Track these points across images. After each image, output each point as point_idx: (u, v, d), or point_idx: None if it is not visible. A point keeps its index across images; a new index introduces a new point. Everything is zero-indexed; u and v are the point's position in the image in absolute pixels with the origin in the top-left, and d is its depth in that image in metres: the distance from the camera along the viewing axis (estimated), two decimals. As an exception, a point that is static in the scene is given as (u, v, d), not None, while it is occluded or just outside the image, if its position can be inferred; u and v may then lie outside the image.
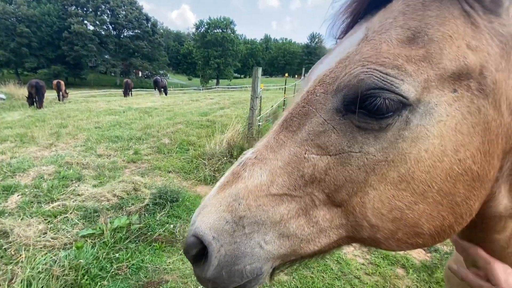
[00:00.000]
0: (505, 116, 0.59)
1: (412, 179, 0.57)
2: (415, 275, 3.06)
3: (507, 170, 0.66)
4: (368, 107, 0.57)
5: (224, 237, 0.61)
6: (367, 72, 0.57)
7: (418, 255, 3.39)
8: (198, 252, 0.63)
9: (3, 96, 17.44)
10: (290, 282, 2.92)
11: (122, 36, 63.77)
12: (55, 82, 18.16)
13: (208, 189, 4.97)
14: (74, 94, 26.15)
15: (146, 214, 3.93)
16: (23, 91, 17.24)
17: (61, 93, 18.01)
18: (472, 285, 0.72)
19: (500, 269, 0.68)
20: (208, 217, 0.63)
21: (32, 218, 3.63)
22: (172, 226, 3.75)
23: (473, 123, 0.57)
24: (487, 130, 0.58)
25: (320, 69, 0.71)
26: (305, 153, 0.63)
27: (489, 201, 0.67)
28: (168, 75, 74.71)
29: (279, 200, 0.62)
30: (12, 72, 54.80)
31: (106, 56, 61.69)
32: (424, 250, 3.47)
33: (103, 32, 60.96)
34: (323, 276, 3.01)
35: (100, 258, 3.02)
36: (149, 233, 3.55)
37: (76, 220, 3.68)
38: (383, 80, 0.55)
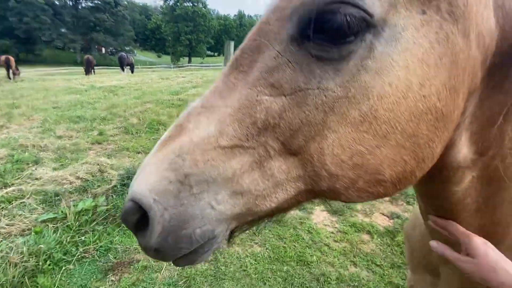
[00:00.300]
0: (473, 48, 0.55)
1: (375, 118, 0.52)
2: (379, 239, 3.29)
3: (469, 116, 0.64)
4: (326, 28, 0.50)
5: (168, 199, 0.54)
6: None
7: (382, 222, 3.64)
8: (139, 219, 0.56)
9: None
10: (263, 253, 3.01)
11: (80, 7, 57.61)
12: (3, 58, 16.17)
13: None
14: (27, 72, 23.56)
15: (114, 196, 3.75)
16: (-36, 68, 15.17)
17: (11, 71, 16.12)
18: (450, 259, 0.72)
19: (479, 243, 0.68)
20: (147, 178, 0.55)
21: (-18, 205, 3.30)
22: (142, 206, 3.63)
23: (440, 53, 0.52)
24: (454, 63, 0.54)
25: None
26: (257, 96, 0.55)
27: (449, 148, 0.65)
28: (135, 51, 69.81)
29: (231, 153, 0.55)
30: None
31: (63, 30, 55.76)
32: (388, 216, 3.73)
33: (57, 2, 54.54)
34: (294, 246, 3.14)
35: (64, 242, 2.87)
36: (117, 215, 3.40)
37: (34, 205, 3.41)
38: None
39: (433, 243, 0.79)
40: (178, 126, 0.59)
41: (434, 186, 0.73)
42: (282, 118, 0.54)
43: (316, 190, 0.60)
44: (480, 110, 0.63)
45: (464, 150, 0.66)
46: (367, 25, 0.50)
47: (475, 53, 0.56)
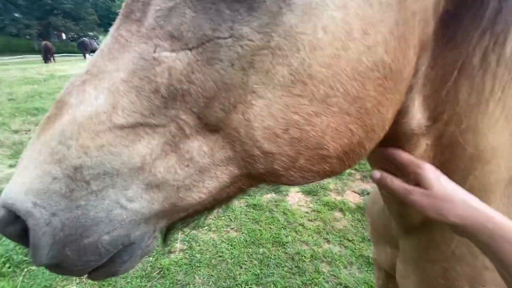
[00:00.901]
0: None
1: (310, 77, 0.42)
2: (350, 216, 3.42)
3: (422, 78, 0.56)
4: None
5: (55, 202, 0.42)
6: None
7: (353, 199, 3.77)
8: (19, 230, 0.43)
9: None
10: (239, 237, 3.01)
11: (32, -13, 51.93)
12: None
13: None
14: (-25, 61, 21.18)
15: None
16: None
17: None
18: (400, 192, 0.60)
19: (432, 170, 0.59)
20: (22, 176, 0.42)
21: None
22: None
23: None
24: (402, 3, 0.44)
25: None
26: (154, 51, 0.42)
27: (402, 114, 0.58)
28: (100, 36, 65.21)
29: (134, 135, 0.43)
30: None
31: (16, 15, 50.30)
32: (359, 194, 3.88)
33: (4, -18, 48.72)
34: (270, 228, 3.17)
35: (24, 243, 2.67)
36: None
37: (-12, 206, 3.13)
38: None
39: (375, 174, 0.65)
40: (59, 102, 0.45)
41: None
42: (191, 82, 0.42)
43: (254, 174, 0.50)
44: (433, 70, 0.56)
45: (417, 116, 0.59)
46: None
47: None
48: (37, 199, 0.41)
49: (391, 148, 0.64)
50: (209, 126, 0.45)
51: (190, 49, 0.42)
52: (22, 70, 14.88)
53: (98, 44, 27.04)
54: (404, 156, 0.62)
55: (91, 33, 57.30)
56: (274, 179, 0.51)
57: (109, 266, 0.50)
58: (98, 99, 0.43)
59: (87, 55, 22.29)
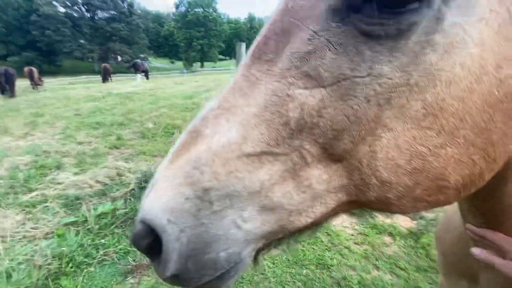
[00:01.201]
0: None
1: (441, 110, 0.43)
2: (402, 241, 3.14)
3: None
4: None
5: (185, 219, 0.46)
6: None
7: (405, 223, 3.47)
8: (152, 243, 0.49)
9: (-30, 86, 16.25)
10: (281, 256, 2.94)
11: (97, 18, 59.98)
12: (26, 69, 17.08)
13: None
14: (50, 82, 24.76)
15: (132, 199, 3.81)
16: (-8, 80, 16.12)
17: (34, 81, 17.00)
18: (502, 269, 0.65)
19: None
20: (160, 196, 0.48)
21: (8, 209, 3.44)
22: (159, 209, 3.66)
23: None
24: None
25: None
26: (288, 89, 0.46)
27: None
28: (150, 58, 71.75)
29: (258, 162, 0.46)
30: (-22, 60, 50.96)
31: (82, 41, 58.21)
32: (410, 217, 3.56)
33: (75, 14, 57.09)
34: (313, 248, 3.05)
35: (85, 245, 2.92)
36: (135, 218, 3.45)
37: (57, 209, 3.52)
38: None
39: (475, 250, 0.72)
40: (193, 132, 0.51)
41: (488, 186, 0.62)
42: (321, 116, 0.45)
43: (362, 201, 0.50)
44: None
45: None
46: None
47: None
48: (171, 216, 0.46)
49: (487, 230, 0.69)
50: (333, 156, 0.47)
51: (324, 87, 0.44)
52: (86, 89, 16.95)
53: (148, 65, 29.91)
54: (497, 235, 0.67)
55: (142, 55, 63.48)
56: (383, 206, 0.51)
57: (217, 281, 0.52)
58: (230, 131, 0.47)
59: (138, 75, 24.69)
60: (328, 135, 0.45)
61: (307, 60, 0.45)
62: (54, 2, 53.18)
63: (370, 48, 0.42)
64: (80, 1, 57.14)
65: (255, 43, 0.53)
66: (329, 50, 0.44)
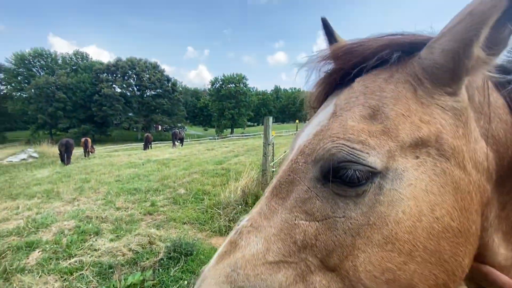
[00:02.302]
0: (473, 175, 0.64)
1: (396, 240, 0.58)
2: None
3: (495, 220, 0.68)
4: (342, 177, 0.62)
5: None
6: (337, 147, 0.62)
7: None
8: None
9: (35, 155, 18.93)
10: None
11: (145, 95, 69.93)
12: (83, 140, 19.71)
13: (223, 241, 4.85)
14: (98, 149, 27.88)
15: (160, 270, 3.84)
16: (54, 150, 18.72)
17: (88, 150, 19.34)
18: None
19: None
20: None
21: (49, 275, 3.64)
22: (186, 282, 3.60)
23: (441, 183, 0.61)
24: (457, 188, 0.62)
25: (301, 138, 0.77)
26: (295, 220, 0.65)
27: (485, 253, 0.67)
28: (186, 127, 78.87)
29: (276, 268, 0.62)
30: (47, 132, 60.09)
31: (130, 114, 66.87)
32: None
33: (128, 93, 67.33)
34: None
35: (112, 319, 2.90)
36: (162, 290, 3.41)
37: (91, 277, 3.64)
38: (351, 154, 0.61)
39: None
40: (233, 243, 0.68)
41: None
42: (317, 240, 0.62)
43: None
44: (503, 211, 0.68)
45: (501, 251, 0.68)
46: (373, 173, 0.61)
47: (476, 177, 0.64)
48: None
49: (489, 267, 0.71)
50: (327, 267, 0.62)
51: (317, 221, 0.64)
52: (128, 156, 18.73)
53: (184, 133, 32.96)
54: (503, 278, 0.68)
55: (179, 124, 70.31)
56: None
57: None
58: (258, 244, 0.65)
59: (176, 143, 27.15)
60: (323, 252, 0.62)
61: (305, 203, 0.66)
62: (114, 85, 63.89)
63: (342, 201, 0.63)
64: (134, 83, 68.06)
65: (273, 183, 0.74)
66: (318, 199, 0.65)
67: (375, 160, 0.61)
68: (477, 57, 0.60)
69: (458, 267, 0.61)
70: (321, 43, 0.87)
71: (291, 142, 0.88)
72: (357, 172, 0.61)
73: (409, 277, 0.59)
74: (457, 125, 0.65)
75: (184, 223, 5.63)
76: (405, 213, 0.59)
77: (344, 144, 0.62)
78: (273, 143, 7.86)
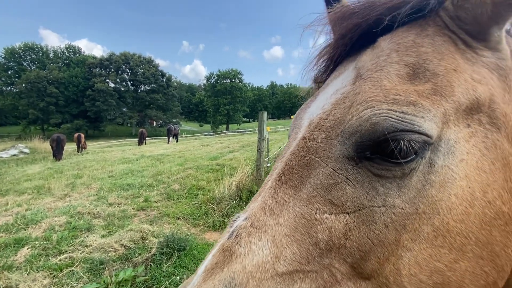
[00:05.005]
0: None
1: (448, 231, 0.50)
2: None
3: None
4: (388, 153, 0.50)
5: None
6: (380, 114, 0.50)
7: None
8: None
9: (27, 150, 18.58)
10: None
11: (139, 90, 69.11)
12: (76, 135, 19.41)
13: (217, 236, 4.82)
14: (92, 145, 27.53)
15: (153, 265, 3.79)
16: (46, 145, 18.40)
17: (80, 145, 19.05)
18: None
19: None
20: None
21: (38, 272, 3.56)
22: (178, 278, 3.56)
23: (492, 159, 0.54)
24: (507, 165, 0.55)
25: (310, 113, 0.64)
26: (316, 213, 0.52)
27: None
28: (181, 122, 78.39)
29: (289, 280, 0.48)
30: (38, 128, 59.03)
31: (124, 109, 66.12)
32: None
33: (122, 88, 66.45)
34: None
35: (102, 315, 2.85)
36: (154, 286, 3.37)
37: (81, 274, 3.57)
38: (402, 120, 0.49)
39: None
40: (227, 250, 0.52)
41: None
42: (348, 238, 0.50)
43: None
44: None
45: None
46: (427, 144, 0.51)
47: None
48: None
49: None
50: (362, 275, 0.51)
51: (348, 213, 0.51)
52: (122, 151, 18.52)
53: (179, 128, 32.75)
54: None
55: (174, 120, 69.81)
56: None
57: None
58: (263, 250, 0.50)
59: (170, 138, 26.95)
60: (355, 255, 0.50)
61: (330, 190, 0.53)
62: (107, 80, 62.92)
63: (382, 185, 0.51)
64: (128, 78, 67.10)
65: (278, 169, 0.59)
66: (348, 185, 0.52)
67: (431, 126, 0.50)
68: None
69: (508, 261, 0.54)
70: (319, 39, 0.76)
71: (290, 126, 0.73)
72: (411, 143, 0.49)
73: (459, 278, 0.50)
74: (504, 89, 0.57)
75: (178, 219, 5.58)
76: (457, 196, 0.51)
77: (389, 109, 0.50)
78: (267, 139, 7.83)
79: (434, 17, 0.60)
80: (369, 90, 0.54)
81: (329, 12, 0.72)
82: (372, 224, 0.50)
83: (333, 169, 0.54)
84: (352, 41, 0.66)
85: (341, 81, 0.63)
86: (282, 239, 0.50)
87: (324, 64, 0.74)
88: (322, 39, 0.74)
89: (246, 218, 0.55)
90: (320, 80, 0.77)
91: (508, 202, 0.54)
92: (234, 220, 0.57)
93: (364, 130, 0.52)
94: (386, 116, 0.50)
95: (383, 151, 0.51)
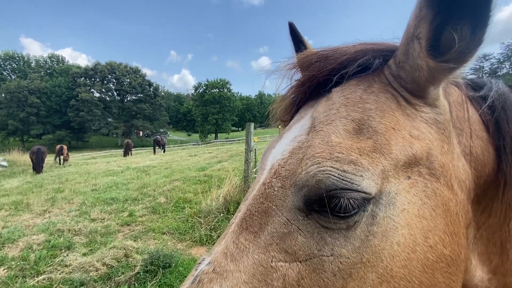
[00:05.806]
0: (459, 194, 0.61)
1: (392, 277, 0.53)
2: None
3: (472, 240, 0.67)
4: (332, 207, 0.53)
5: None
6: (324, 171, 0.53)
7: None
8: None
9: (5, 163, 17.76)
10: None
11: (125, 100, 68.00)
12: (58, 147, 18.75)
13: (204, 251, 4.75)
14: (75, 157, 26.62)
15: (136, 284, 3.68)
16: (25, 158, 17.66)
17: (62, 157, 18.41)
18: None
19: None
20: None
21: (13, 296, 3.38)
22: (163, 296, 3.47)
23: (433, 206, 0.57)
24: (447, 211, 0.59)
25: (273, 154, 0.68)
26: (271, 261, 0.54)
27: (464, 276, 0.65)
28: (168, 132, 77.39)
29: None
30: (18, 139, 56.68)
31: (109, 119, 64.65)
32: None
33: (108, 98, 65.17)
34: None
35: None
36: (137, 306, 3.26)
37: (60, 296, 3.42)
38: (342, 179, 0.52)
39: None
40: None
41: None
42: (301, 286, 0.52)
43: None
44: (479, 231, 0.68)
45: (478, 273, 0.67)
46: (367, 200, 0.54)
47: (462, 197, 0.63)
48: None
49: None
50: None
51: (300, 261, 0.54)
52: (106, 163, 18.01)
53: (166, 138, 32.28)
54: None
55: (161, 130, 68.83)
56: None
57: None
58: None
59: (157, 149, 26.54)
60: None
61: (284, 239, 0.55)
62: (92, 90, 61.60)
63: (330, 235, 0.54)
64: (114, 88, 66.00)
65: (242, 213, 0.62)
66: (300, 234, 0.55)
67: (369, 184, 0.54)
68: (427, 61, 0.56)
69: None
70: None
71: (260, 158, 0.77)
72: (351, 200, 0.52)
73: None
74: (442, 140, 0.61)
75: (163, 234, 5.46)
76: (399, 244, 0.54)
77: (332, 167, 0.53)
78: (255, 149, 7.86)
79: (379, 74, 0.65)
80: (318, 144, 0.58)
81: (296, 58, 0.80)
82: (322, 273, 0.52)
83: (287, 219, 0.56)
84: (310, 90, 0.72)
85: (300, 128, 0.67)
86: (241, 286, 0.52)
87: (288, 106, 0.79)
88: (286, 83, 0.80)
89: (209, 263, 0.57)
90: (286, 119, 0.82)
91: (449, 245, 0.58)
92: (199, 263, 0.59)
93: (310, 185, 0.55)
94: (329, 174, 0.53)
95: (328, 206, 0.53)
